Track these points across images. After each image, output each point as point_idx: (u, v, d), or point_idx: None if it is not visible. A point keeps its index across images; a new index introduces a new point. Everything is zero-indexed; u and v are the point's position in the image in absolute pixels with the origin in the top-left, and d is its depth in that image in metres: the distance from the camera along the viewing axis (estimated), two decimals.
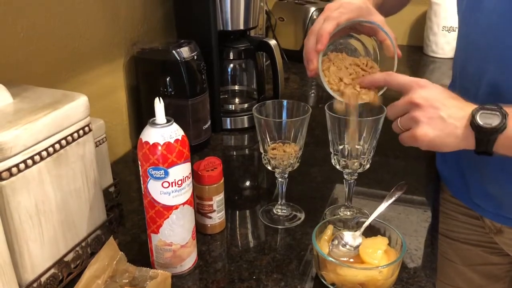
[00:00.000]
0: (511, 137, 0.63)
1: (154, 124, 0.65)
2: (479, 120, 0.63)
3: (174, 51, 1.02)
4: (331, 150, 0.83)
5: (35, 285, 0.65)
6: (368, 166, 0.82)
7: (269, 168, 0.83)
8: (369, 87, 0.74)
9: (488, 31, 0.75)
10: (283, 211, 0.87)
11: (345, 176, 0.84)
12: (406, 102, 0.67)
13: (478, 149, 0.65)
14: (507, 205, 0.83)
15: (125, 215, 0.88)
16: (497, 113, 0.63)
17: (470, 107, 0.65)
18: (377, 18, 0.76)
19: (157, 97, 0.65)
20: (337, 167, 0.83)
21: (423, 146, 0.67)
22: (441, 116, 0.65)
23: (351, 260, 0.70)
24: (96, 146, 0.80)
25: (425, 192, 0.94)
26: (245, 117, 1.22)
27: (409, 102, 0.66)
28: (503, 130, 0.63)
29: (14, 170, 0.59)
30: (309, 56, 0.75)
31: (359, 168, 0.82)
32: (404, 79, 0.69)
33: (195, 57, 1.05)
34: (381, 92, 0.75)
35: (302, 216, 0.86)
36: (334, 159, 0.83)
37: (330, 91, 0.75)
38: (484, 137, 0.63)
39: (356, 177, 0.83)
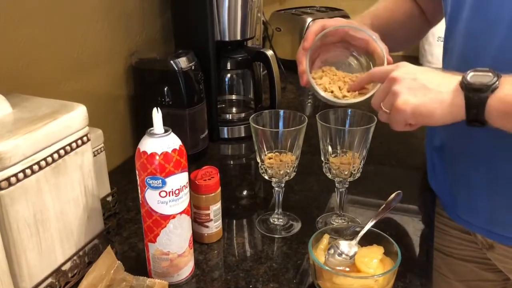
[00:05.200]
0: (504, 100, 0.59)
1: (152, 134, 0.66)
2: (470, 79, 0.61)
3: (172, 61, 1.02)
4: (323, 159, 0.83)
5: None
6: (358, 175, 0.83)
7: (266, 177, 0.84)
8: (358, 89, 0.76)
9: (472, 40, 0.75)
10: (279, 220, 0.87)
11: (337, 185, 0.84)
12: (386, 82, 0.66)
13: (469, 113, 0.61)
14: (497, 220, 0.81)
15: (122, 224, 0.88)
16: (489, 73, 0.61)
17: (457, 74, 0.63)
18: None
19: (155, 108, 0.66)
20: (328, 175, 0.84)
21: (409, 118, 0.64)
22: (422, 84, 0.63)
23: (347, 269, 0.71)
24: (94, 155, 0.81)
25: (420, 201, 0.95)
26: (242, 126, 1.23)
27: (388, 80, 0.65)
28: (495, 90, 0.59)
29: (13, 179, 0.59)
30: (298, 58, 0.78)
31: (350, 177, 0.82)
32: (385, 67, 0.69)
33: (193, 67, 1.05)
34: (366, 96, 0.77)
35: (298, 225, 0.87)
36: (325, 168, 0.84)
37: (317, 89, 0.77)
38: (475, 95, 0.60)
39: (347, 186, 0.84)
